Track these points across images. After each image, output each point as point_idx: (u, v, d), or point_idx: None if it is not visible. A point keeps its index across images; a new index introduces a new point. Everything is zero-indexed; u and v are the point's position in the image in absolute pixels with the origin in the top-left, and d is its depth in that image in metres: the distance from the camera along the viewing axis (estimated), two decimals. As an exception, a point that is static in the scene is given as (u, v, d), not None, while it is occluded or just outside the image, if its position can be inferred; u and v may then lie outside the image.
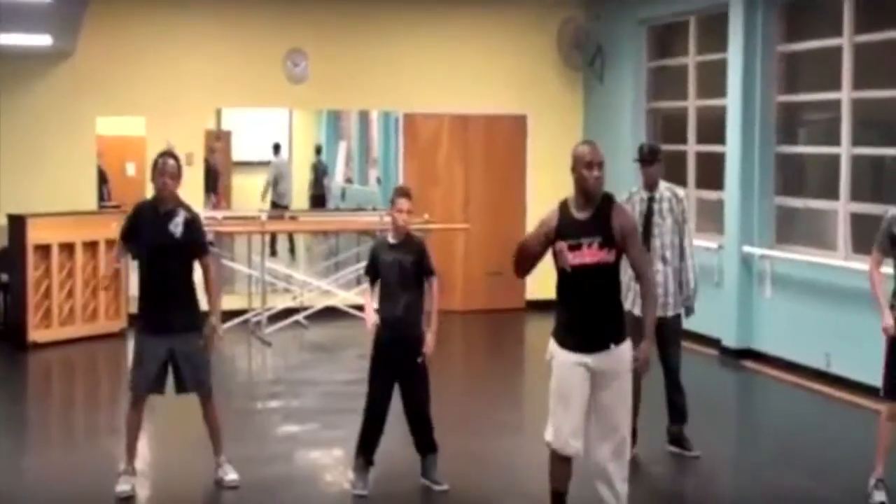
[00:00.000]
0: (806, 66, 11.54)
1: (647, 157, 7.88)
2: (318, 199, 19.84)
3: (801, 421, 9.39)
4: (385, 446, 7.23)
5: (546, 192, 14.57)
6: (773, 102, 11.50)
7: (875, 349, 9.35)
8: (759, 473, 7.78)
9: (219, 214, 14.28)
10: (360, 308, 12.99)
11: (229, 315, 12.81)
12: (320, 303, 13.46)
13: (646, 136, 13.81)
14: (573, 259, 5.76)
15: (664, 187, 7.92)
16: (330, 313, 13.31)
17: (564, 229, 5.82)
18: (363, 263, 14.34)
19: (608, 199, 5.91)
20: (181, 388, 7.19)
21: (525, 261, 5.95)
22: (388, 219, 7.36)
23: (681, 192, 8.03)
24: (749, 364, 11.24)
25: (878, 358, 9.61)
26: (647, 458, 7.80)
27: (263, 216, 14.29)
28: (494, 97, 14.62)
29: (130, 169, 16.61)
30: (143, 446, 7.64)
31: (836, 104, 10.60)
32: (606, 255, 5.81)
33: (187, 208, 7.19)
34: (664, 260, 7.83)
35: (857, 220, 10.44)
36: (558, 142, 14.74)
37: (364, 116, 20.77)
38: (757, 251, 11.41)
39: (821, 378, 10.31)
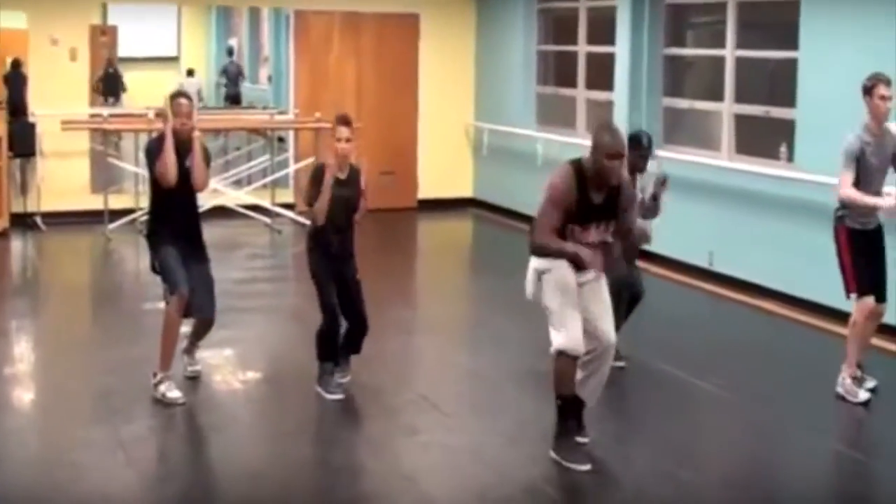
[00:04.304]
0: (695, -32, 11.64)
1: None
2: (234, 99, 19.76)
3: (686, 318, 9.65)
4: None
5: (438, 91, 14.71)
6: (662, 4, 11.59)
7: (755, 248, 9.65)
8: (646, 368, 8.01)
9: (105, 111, 13.96)
10: (250, 207, 13.01)
11: (116, 214, 12.67)
12: (209, 202, 13.32)
13: (537, 36, 13.84)
14: (581, 238, 5.98)
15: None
16: (220, 212, 13.19)
17: (581, 211, 5.94)
18: (254, 162, 14.45)
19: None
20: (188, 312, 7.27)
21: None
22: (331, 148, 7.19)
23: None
24: (636, 262, 11.43)
25: (758, 256, 9.94)
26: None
27: (150, 113, 14.02)
28: (386, -5, 14.48)
29: (12, 64, 16.13)
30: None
31: (722, 7, 10.73)
32: (607, 233, 6.09)
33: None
34: None
35: (741, 122, 10.65)
36: (451, 42, 14.76)
37: (255, 13, 20.42)
38: (644, 152, 11.56)
39: (704, 276, 10.60)
